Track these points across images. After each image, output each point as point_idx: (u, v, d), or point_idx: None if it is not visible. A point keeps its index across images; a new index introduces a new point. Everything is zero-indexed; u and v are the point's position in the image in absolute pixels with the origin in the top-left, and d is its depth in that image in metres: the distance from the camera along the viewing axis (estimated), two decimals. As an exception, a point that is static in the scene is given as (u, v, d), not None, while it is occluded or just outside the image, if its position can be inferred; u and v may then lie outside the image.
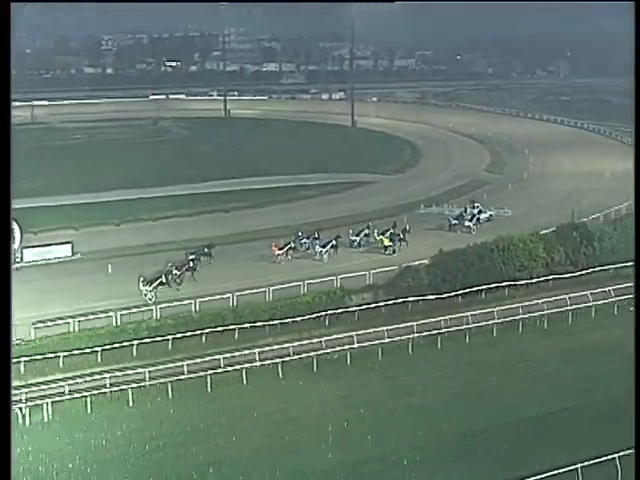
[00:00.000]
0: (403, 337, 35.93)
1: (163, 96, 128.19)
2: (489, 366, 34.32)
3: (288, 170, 70.56)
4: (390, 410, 30.27)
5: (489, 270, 42.69)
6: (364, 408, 30.40)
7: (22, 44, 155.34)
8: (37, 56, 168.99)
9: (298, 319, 37.52)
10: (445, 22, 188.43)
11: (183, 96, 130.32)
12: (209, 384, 31.91)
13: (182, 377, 31.98)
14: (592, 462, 25.16)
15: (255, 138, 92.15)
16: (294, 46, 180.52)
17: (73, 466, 26.40)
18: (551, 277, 43.36)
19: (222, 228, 52.27)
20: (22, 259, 44.29)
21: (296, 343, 34.95)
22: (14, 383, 28.30)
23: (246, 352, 34.06)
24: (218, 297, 38.72)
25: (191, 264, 43.13)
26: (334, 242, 46.99)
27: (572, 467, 24.98)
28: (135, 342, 34.68)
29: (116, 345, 34.42)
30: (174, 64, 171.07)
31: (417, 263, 42.90)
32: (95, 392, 30.68)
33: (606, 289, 41.21)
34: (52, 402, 29.89)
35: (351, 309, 39.05)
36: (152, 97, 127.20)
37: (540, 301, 39.83)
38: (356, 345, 35.13)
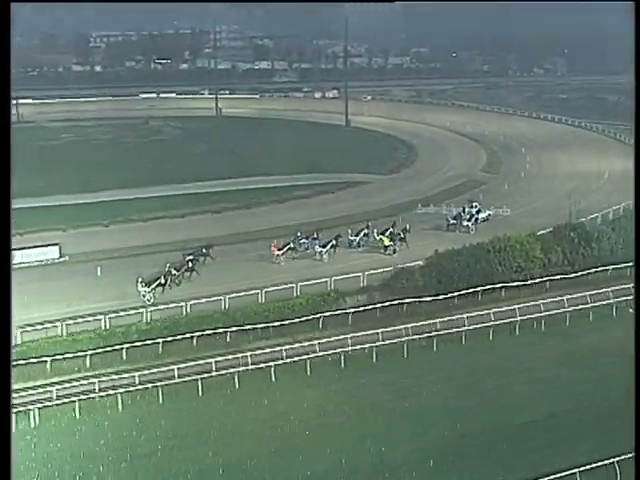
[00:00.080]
0: (398, 339, 35.95)
1: (153, 95, 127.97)
2: (485, 369, 34.37)
3: (281, 170, 70.54)
4: (385, 414, 30.28)
5: (485, 271, 42.76)
6: (359, 412, 30.41)
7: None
8: (23, 53, 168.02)
9: (295, 321, 37.50)
10: (441, 20, 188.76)
11: (174, 95, 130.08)
12: (200, 388, 31.86)
13: (172, 381, 31.92)
14: (591, 466, 25.26)
15: (247, 137, 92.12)
16: (287, 43, 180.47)
17: (59, 473, 26.33)
18: (548, 278, 43.43)
19: (214, 229, 52.19)
20: (8, 261, 44.05)
21: (288, 346, 34.93)
22: None
23: (239, 355, 34.02)
24: (214, 299, 38.69)
25: (190, 264, 43.13)
26: (334, 242, 47.09)
27: (571, 471, 25.06)
28: (125, 346, 34.61)
29: (105, 349, 34.33)
30: (164, 62, 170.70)
31: (415, 264, 42.94)
32: (84, 397, 30.61)
33: (604, 290, 41.31)
34: (39, 408, 29.79)
35: (347, 311, 39.02)
36: (142, 96, 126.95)
37: (537, 303, 39.90)
38: (350, 348, 35.14)
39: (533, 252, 44.37)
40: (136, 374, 32.06)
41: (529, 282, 43.00)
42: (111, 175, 68.72)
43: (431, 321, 37.64)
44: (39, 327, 35.60)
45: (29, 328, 35.34)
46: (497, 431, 28.87)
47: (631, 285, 39.21)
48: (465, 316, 37.99)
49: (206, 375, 32.38)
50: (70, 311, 37.37)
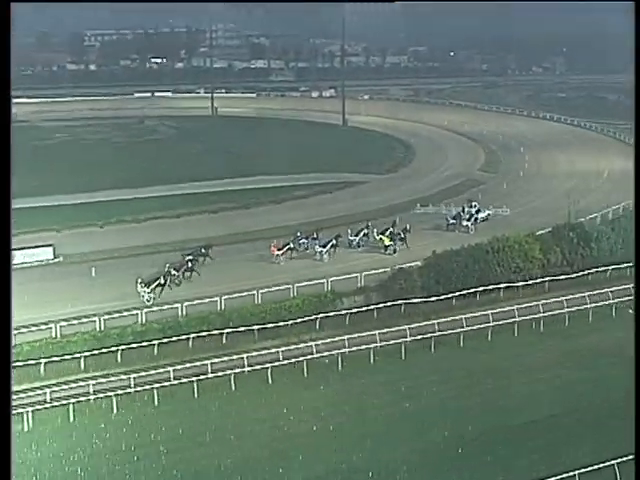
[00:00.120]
0: (396, 341, 35.95)
1: (148, 94, 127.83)
2: (484, 370, 34.37)
3: (278, 170, 70.49)
4: (383, 416, 30.27)
5: (484, 272, 42.77)
6: (356, 414, 30.41)
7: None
8: (17, 52, 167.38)
9: (289, 322, 37.50)
10: (441, 20, 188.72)
11: (169, 94, 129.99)
12: (196, 390, 31.82)
13: (168, 383, 31.87)
14: (592, 468, 25.28)
15: (243, 137, 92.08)
16: (283, 42, 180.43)
17: (52, 476, 26.27)
18: (547, 279, 43.47)
19: (211, 229, 52.12)
20: (1, 262, 43.97)
21: (284, 348, 34.91)
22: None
23: (235, 357, 33.99)
24: (209, 300, 38.64)
25: (189, 265, 43.11)
26: (334, 242, 47.13)
27: (570, 473, 25.08)
28: (120, 348, 34.55)
29: (100, 351, 34.27)
30: (159, 61, 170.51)
31: (415, 264, 42.98)
32: (78, 400, 30.54)
33: (604, 291, 41.36)
34: (33, 410, 29.72)
35: (344, 311, 39.00)
36: (137, 95, 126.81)
37: (536, 303, 39.92)
38: (348, 349, 35.13)
39: (532, 252, 44.40)
40: (131, 376, 32.01)
41: (528, 282, 43.02)
42: (105, 175, 68.61)
43: (429, 322, 37.64)
44: (34, 329, 35.51)
45: (23, 330, 35.24)
46: (497, 432, 28.88)
47: (631, 285, 39.28)
48: (463, 317, 37.99)
49: (202, 377, 32.34)
50: (64, 313, 37.29)
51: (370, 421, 29.86)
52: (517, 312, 38.94)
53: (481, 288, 41.51)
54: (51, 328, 35.76)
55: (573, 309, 39.93)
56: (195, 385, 31.90)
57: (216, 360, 33.58)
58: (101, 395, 30.99)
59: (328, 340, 35.75)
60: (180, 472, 26.62)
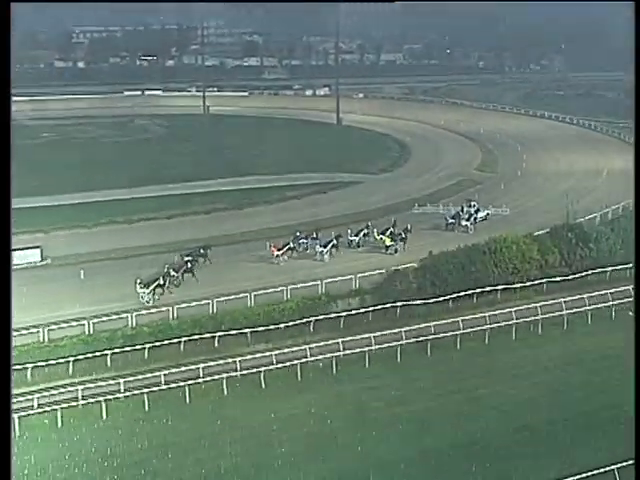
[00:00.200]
0: (392, 344, 35.94)
1: (138, 92, 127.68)
2: (481, 373, 34.39)
3: (271, 170, 70.53)
4: (377, 422, 30.24)
5: (481, 273, 42.81)
6: (350, 420, 30.38)
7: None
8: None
9: (281, 326, 37.49)
10: (441, 20, 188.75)
11: (160, 92, 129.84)
12: (187, 395, 31.77)
13: (157, 388, 31.78)
14: (591, 474, 25.33)
15: (236, 136, 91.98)
16: (276, 40, 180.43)
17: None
18: (545, 280, 43.52)
19: (204, 231, 52.03)
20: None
21: (277, 351, 34.86)
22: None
23: (228, 360, 33.95)
24: (203, 302, 38.64)
25: (189, 265, 43.11)
26: (335, 242, 47.15)
27: (571, 478, 25.14)
28: (109, 352, 34.46)
29: (89, 355, 34.19)
30: (150, 58, 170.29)
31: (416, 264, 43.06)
32: (66, 405, 30.43)
33: (603, 292, 41.42)
34: (19, 417, 29.59)
35: (342, 314, 39.00)
36: (127, 93, 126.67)
37: (534, 305, 39.98)
38: (342, 352, 35.12)
39: (530, 253, 44.47)
40: (121, 381, 31.94)
41: (526, 284, 43.09)
42: (94, 176, 68.50)
43: (425, 325, 37.66)
44: (21, 333, 35.32)
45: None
46: (493, 437, 28.89)
47: (631, 287, 39.35)
48: (460, 319, 37.98)
49: (193, 381, 32.28)
50: (52, 316, 37.19)
51: (365, 426, 29.81)
52: (515, 314, 38.97)
53: (478, 290, 41.55)
54: (38, 332, 35.64)
55: (572, 311, 39.98)
56: (187, 390, 31.82)
57: (208, 364, 33.51)
58: (90, 400, 30.87)
59: (320, 344, 35.72)
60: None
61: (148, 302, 39.29)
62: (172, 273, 41.72)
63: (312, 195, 63.67)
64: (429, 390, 32.87)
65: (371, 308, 39.54)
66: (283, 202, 61.47)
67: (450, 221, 53.19)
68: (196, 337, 36.12)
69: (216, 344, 36.23)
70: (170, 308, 38.21)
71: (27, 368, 33.02)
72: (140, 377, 32.51)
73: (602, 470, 25.42)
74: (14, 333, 35.13)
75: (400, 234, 48.59)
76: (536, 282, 43.36)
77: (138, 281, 39.84)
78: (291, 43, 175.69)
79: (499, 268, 43.41)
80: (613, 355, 34.65)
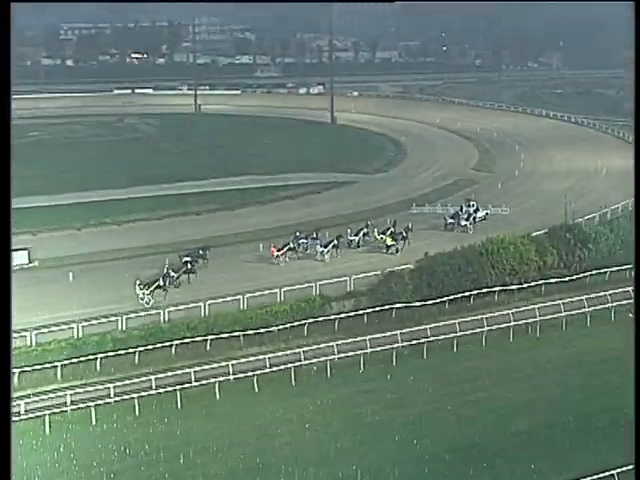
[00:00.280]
0: (387, 347, 35.97)
1: (128, 90, 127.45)
2: (478, 377, 34.43)
3: (264, 170, 70.49)
4: (372, 426, 30.26)
5: (478, 275, 42.87)
6: (344, 424, 30.38)
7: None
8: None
9: (274, 329, 37.49)
10: (441, 19, 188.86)
11: (150, 90, 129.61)
12: (179, 400, 31.73)
13: (147, 393, 31.71)
14: (590, 479, 25.40)
15: (228, 136, 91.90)
16: (269, 37, 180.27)
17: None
18: (543, 282, 43.60)
19: (196, 232, 51.98)
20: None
21: (271, 355, 34.89)
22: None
23: (222, 364, 33.94)
24: (194, 305, 38.60)
25: (188, 266, 43.14)
26: (335, 242, 47.24)
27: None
28: (99, 355, 34.40)
29: (78, 359, 34.10)
30: (140, 56, 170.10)
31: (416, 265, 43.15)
32: (55, 411, 30.36)
33: (602, 294, 41.51)
34: (8, 422, 29.51)
35: (342, 315, 39.05)
36: (116, 91, 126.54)
37: (532, 307, 40.07)
38: (337, 356, 35.14)
39: (527, 254, 44.53)
40: (110, 385, 31.88)
41: (524, 286, 43.15)
42: (83, 176, 68.40)
43: (421, 327, 37.70)
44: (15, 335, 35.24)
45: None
46: (491, 440, 28.94)
47: (630, 288, 39.43)
48: (457, 322, 38.06)
49: (185, 386, 32.25)
50: (40, 320, 37.08)
51: (360, 431, 29.84)
52: (512, 316, 39.03)
53: (475, 291, 41.61)
54: (25, 336, 35.52)
55: (571, 313, 40.06)
56: (178, 394, 31.79)
57: (200, 368, 33.50)
58: (80, 405, 30.81)
59: (314, 347, 35.77)
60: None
61: (148, 303, 39.25)
62: (172, 274, 41.76)
63: (306, 195, 63.69)
64: (425, 393, 32.90)
65: (370, 309, 39.52)
66: (276, 202, 61.46)
67: (449, 221, 53.32)
68: (188, 340, 36.08)
69: (208, 347, 36.20)
70: (161, 311, 38.15)
71: (14, 373, 32.87)
72: (130, 382, 32.44)
73: (602, 475, 25.49)
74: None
75: (401, 233, 48.74)
76: (534, 283, 43.44)
77: (137, 282, 39.86)
78: (284, 40, 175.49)
79: (496, 269, 43.44)
80: (613, 357, 34.72)
